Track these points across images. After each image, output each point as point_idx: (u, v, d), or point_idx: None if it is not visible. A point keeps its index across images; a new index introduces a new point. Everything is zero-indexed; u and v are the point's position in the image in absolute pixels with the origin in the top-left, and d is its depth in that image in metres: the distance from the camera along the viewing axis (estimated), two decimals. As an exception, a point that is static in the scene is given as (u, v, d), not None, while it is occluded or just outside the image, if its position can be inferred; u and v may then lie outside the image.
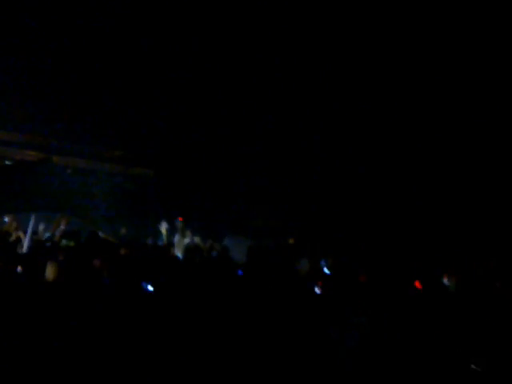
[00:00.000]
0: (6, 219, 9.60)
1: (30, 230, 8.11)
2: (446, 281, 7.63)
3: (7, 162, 11.68)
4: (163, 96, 13.64)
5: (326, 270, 8.91)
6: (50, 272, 6.68)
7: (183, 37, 12.77)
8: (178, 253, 9.51)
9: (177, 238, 10.07)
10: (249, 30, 12.36)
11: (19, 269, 7.09)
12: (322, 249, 10.46)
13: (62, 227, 9.62)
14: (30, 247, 7.67)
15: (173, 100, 13.61)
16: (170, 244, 9.45)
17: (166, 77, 13.40)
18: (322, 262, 9.36)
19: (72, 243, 9.49)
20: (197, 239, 9.70)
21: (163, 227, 9.79)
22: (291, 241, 11.29)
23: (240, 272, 8.47)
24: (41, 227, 9.77)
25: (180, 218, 10.91)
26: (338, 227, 12.43)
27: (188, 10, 12.25)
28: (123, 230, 10.32)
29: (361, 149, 13.67)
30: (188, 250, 9.58)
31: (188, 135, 13.78)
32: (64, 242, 9.41)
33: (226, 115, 13.75)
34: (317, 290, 7.74)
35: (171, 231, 9.96)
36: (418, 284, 7.72)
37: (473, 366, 5.73)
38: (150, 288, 7.00)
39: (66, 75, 13.02)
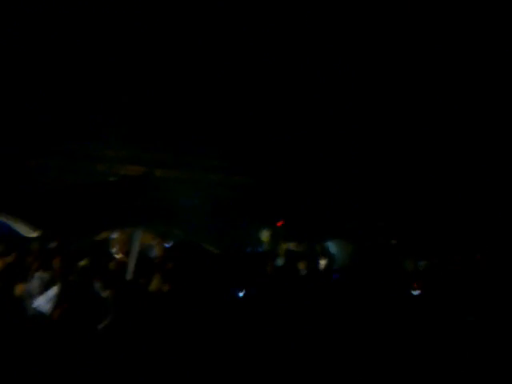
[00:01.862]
0: (113, 236, 9.76)
1: (135, 247, 8.25)
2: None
3: (111, 179, 12.10)
4: (259, 103, 13.78)
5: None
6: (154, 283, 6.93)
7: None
8: (280, 259, 9.48)
9: (278, 245, 10.03)
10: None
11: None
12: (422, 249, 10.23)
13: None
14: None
15: (267, 107, 13.72)
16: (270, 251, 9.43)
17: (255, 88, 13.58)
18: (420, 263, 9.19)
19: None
20: (295, 245, 9.60)
21: (264, 235, 9.77)
22: (394, 242, 11.00)
23: (335, 276, 8.36)
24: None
25: (279, 224, 10.85)
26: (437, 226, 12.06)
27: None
28: (225, 240, 10.37)
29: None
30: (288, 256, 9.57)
31: (284, 142, 13.81)
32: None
33: (322, 121, 13.70)
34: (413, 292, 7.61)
35: (273, 238, 9.92)
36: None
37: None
38: (241, 294, 7.08)
39: (167, 96, 13.51)
